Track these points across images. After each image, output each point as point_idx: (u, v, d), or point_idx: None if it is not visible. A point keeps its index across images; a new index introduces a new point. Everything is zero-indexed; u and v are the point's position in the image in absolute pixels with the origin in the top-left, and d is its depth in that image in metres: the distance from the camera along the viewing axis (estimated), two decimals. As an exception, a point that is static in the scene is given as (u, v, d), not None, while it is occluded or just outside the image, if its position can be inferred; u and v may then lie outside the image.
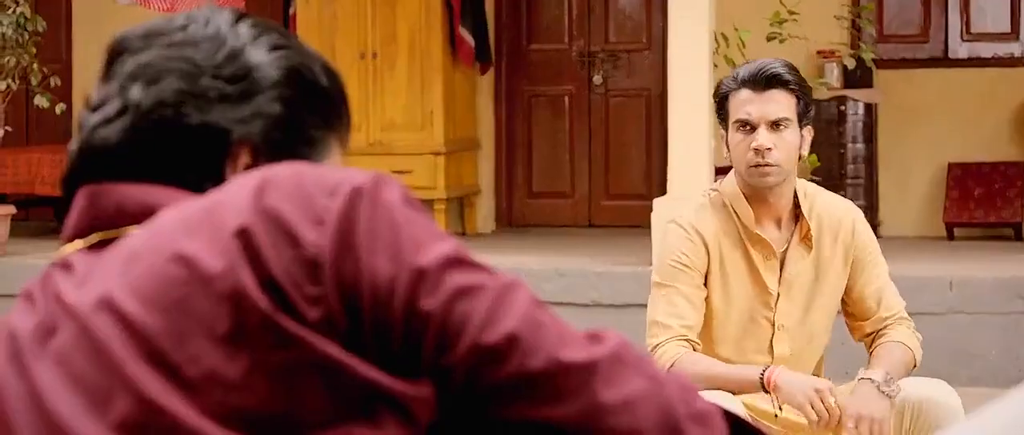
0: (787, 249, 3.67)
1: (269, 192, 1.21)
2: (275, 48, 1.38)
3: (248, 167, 1.34)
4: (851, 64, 7.85)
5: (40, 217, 9.33)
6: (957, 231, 8.71)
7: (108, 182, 1.33)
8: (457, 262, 1.19)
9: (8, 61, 8.17)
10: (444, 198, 8.92)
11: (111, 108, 1.35)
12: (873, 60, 7.79)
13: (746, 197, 3.66)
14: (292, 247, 1.18)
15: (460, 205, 9.49)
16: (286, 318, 1.17)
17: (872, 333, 3.71)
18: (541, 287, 6.92)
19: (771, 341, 3.65)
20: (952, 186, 8.76)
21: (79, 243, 1.33)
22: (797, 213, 3.68)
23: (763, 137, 3.54)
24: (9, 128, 8.36)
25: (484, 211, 9.64)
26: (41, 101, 8.30)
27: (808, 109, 3.64)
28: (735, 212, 3.67)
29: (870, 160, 8.66)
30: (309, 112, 1.39)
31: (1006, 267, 7.28)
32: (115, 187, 1.33)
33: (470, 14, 9.12)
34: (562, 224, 9.47)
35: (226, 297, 1.18)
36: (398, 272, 1.17)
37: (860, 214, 3.78)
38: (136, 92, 1.34)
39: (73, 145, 1.37)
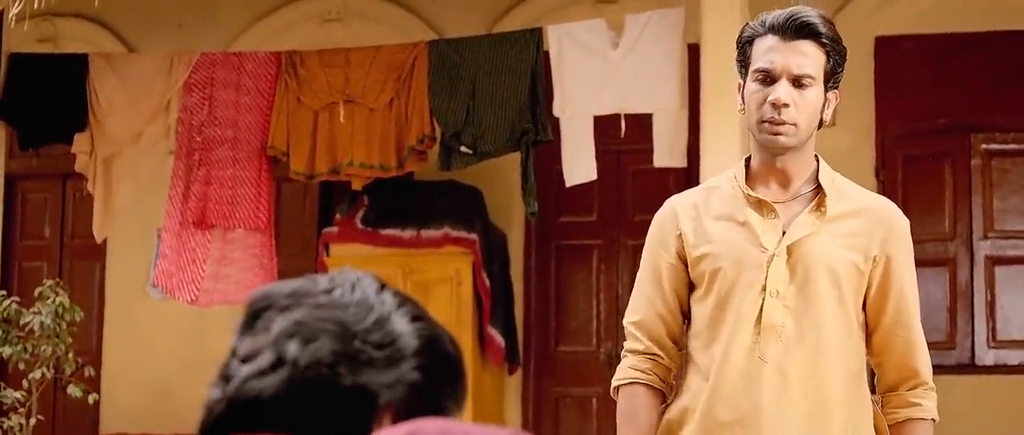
0: (794, 215, 3.15)
1: None
2: (415, 318, 1.44)
3: None
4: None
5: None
6: None
7: (258, 434, 1.36)
8: None
9: (44, 350, 8.15)
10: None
11: (264, 361, 1.38)
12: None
13: (752, 163, 3.22)
14: None
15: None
16: None
17: (899, 399, 3.28)
18: None
19: (760, 310, 3.10)
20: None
21: None
22: (816, 190, 3.18)
23: (782, 90, 3.08)
24: (41, 417, 8.30)
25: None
26: (74, 391, 8.18)
27: (838, 70, 3.16)
28: (734, 177, 3.23)
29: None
30: (442, 382, 1.44)
31: None
32: None
33: (500, 315, 9.20)
34: (589, 527, 9.36)
35: None
36: None
37: (900, 213, 3.24)
38: (293, 348, 1.38)
39: (215, 393, 1.39)
